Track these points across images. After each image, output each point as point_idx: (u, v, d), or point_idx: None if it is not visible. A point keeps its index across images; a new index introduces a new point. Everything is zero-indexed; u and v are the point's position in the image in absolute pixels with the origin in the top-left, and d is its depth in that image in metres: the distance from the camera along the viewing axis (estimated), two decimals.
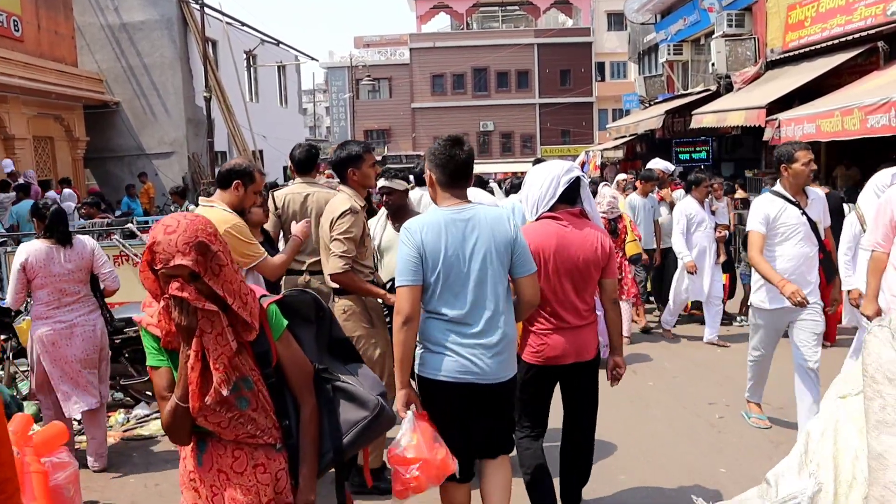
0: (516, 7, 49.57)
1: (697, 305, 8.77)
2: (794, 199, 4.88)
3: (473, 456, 3.34)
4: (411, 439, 3.01)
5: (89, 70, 19.12)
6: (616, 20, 43.42)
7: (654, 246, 8.63)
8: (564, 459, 3.84)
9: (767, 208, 4.90)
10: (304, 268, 5.00)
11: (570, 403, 3.78)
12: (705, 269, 7.84)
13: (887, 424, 1.30)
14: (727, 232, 8.67)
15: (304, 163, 5.38)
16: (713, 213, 8.26)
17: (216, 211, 4.05)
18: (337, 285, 4.17)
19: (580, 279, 3.52)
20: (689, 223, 7.80)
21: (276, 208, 5.18)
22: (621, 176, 11.08)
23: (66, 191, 13.80)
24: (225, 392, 2.13)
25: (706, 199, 8.07)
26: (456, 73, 46.54)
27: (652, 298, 9.37)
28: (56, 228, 4.80)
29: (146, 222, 9.86)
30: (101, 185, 19.64)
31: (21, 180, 13.90)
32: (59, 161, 17.91)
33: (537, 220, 3.59)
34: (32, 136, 16.69)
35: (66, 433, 4.04)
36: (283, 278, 5.14)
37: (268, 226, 5.09)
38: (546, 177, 3.59)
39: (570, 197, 3.59)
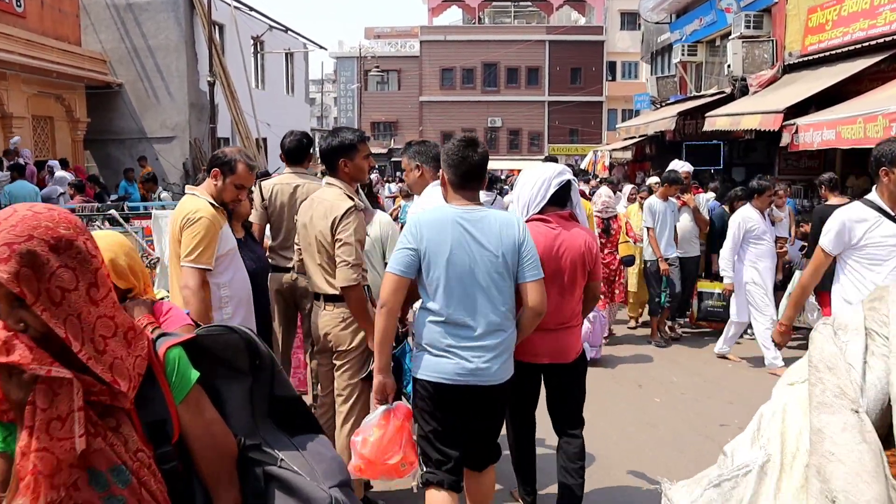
0: (529, 3, 49.11)
1: (704, 317, 8.42)
2: (893, 213, 3.89)
3: (464, 466, 3.28)
4: (371, 434, 3.05)
5: (93, 50, 18.75)
6: (629, 20, 43.00)
7: (675, 254, 8.07)
8: (560, 467, 3.77)
9: (852, 222, 3.94)
10: (290, 265, 4.64)
11: (551, 404, 3.79)
12: (770, 288, 7.16)
13: (825, 405, 1.59)
14: (788, 246, 8.09)
15: (295, 152, 5.03)
16: (773, 224, 7.59)
17: (192, 198, 3.67)
18: (336, 292, 3.71)
19: (566, 281, 3.53)
20: (748, 235, 7.12)
21: (263, 199, 4.83)
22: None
23: (58, 173, 13.40)
24: None
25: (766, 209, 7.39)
26: (466, 68, 46.12)
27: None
28: None
29: (138, 208, 9.49)
30: (101, 168, 19.35)
31: (20, 159, 13.59)
32: (59, 142, 17.57)
33: (527, 221, 3.56)
34: (31, 116, 16.35)
35: None
36: (269, 276, 4.80)
37: (253, 217, 4.74)
38: (537, 179, 3.63)
39: (561, 200, 3.64)
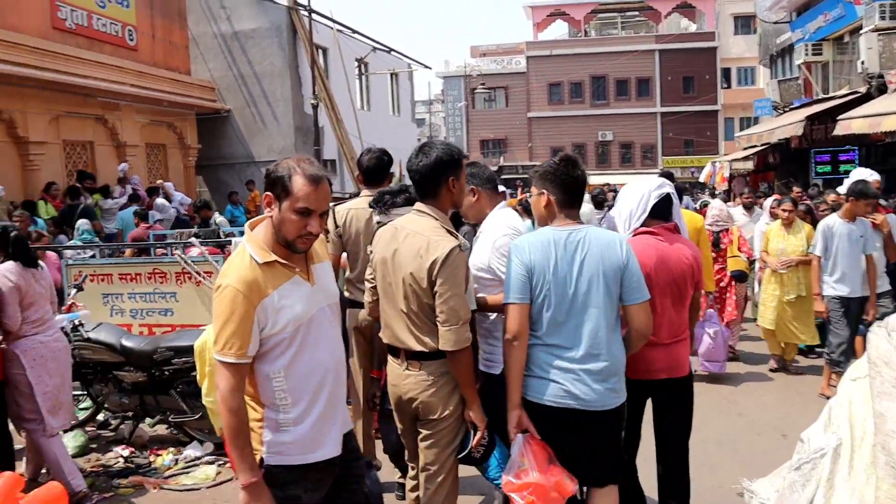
0: (636, 13, 47.81)
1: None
2: None
3: (581, 483, 3.18)
4: (521, 462, 2.95)
5: (202, 78, 19.22)
6: (742, 23, 41.27)
7: (866, 292, 6.15)
8: (662, 485, 3.66)
9: None
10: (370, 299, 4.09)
11: (662, 421, 3.66)
12: None
13: (885, 394, 1.86)
14: None
15: (375, 171, 4.53)
16: None
17: (237, 253, 2.67)
18: (423, 349, 3.07)
19: (678, 293, 3.52)
20: None
21: (337, 226, 4.34)
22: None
23: (158, 200, 13.57)
24: None
25: None
26: (573, 82, 45.36)
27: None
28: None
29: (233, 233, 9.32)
30: (213, 193, 19.75)
31: (127, 187, 13.91)
32: (171, 168, 18.02)
33: (635, 234, 3.59)
34: (145, 144, 16.81)
35: (65, 497, 3.32)
36: (347, 311, 4.30)
37: (328, 247, 4.26)
38: (637, 192, 3.65)
39: (664, 212, 3.63)
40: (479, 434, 3.09)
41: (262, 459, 2.56)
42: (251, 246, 2.57)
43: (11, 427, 4.82)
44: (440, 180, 3.12)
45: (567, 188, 3.14)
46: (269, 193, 2.59)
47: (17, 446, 4.99)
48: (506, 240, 3.43)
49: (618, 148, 45.43)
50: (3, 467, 3.61)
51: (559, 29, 50.66)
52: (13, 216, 9.04)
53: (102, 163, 15.10)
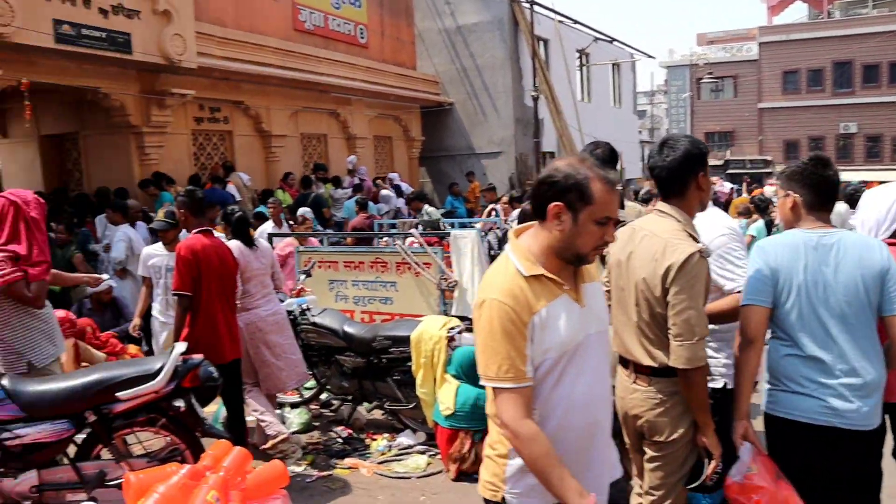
0: None
1: None
2: None
3: None
4: (751, 468, 2.78)
5: (427, 73, 19.86)
6: None
7: None
8: None
9: None
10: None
11: None
12: None
13: None
14: None
15: (608, 165, 4.34)
16: None
17: (496, 268, 2.35)
18: (654, 364, 2.83)
19: None
20: None
21: None
22: None
23: (383, 192, 14.19)
24: None
25: None
26: (812, 69, 41.72)
27: None
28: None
29: (467, 224, 9.46)
30: (434, 184, 20.44)
31: (355, 178, 14.71)
32: (396, 160, 18.88)
33: None
34: (373, 136, 17.70)
35: (286, 475, 3.46)
36: None
37: None
38: (887, 200, 3.37)
39: None
40: (714, 463, 2.79)
41: (503, 499, 2.29)
42: (516, 256, 2.28)
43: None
44: (688, 177, 2.88)
45: (817, 189, 2.92)
46: (559, 203, 2.21)
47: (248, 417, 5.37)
48: (724, 240, 3.17)
49: (863, 141, 41.27)
50: (236, 441, 3.84)
51: (797, 11, 46.99)
52: (268, 204, 9.83)
53: (334, 154, 16.13)
